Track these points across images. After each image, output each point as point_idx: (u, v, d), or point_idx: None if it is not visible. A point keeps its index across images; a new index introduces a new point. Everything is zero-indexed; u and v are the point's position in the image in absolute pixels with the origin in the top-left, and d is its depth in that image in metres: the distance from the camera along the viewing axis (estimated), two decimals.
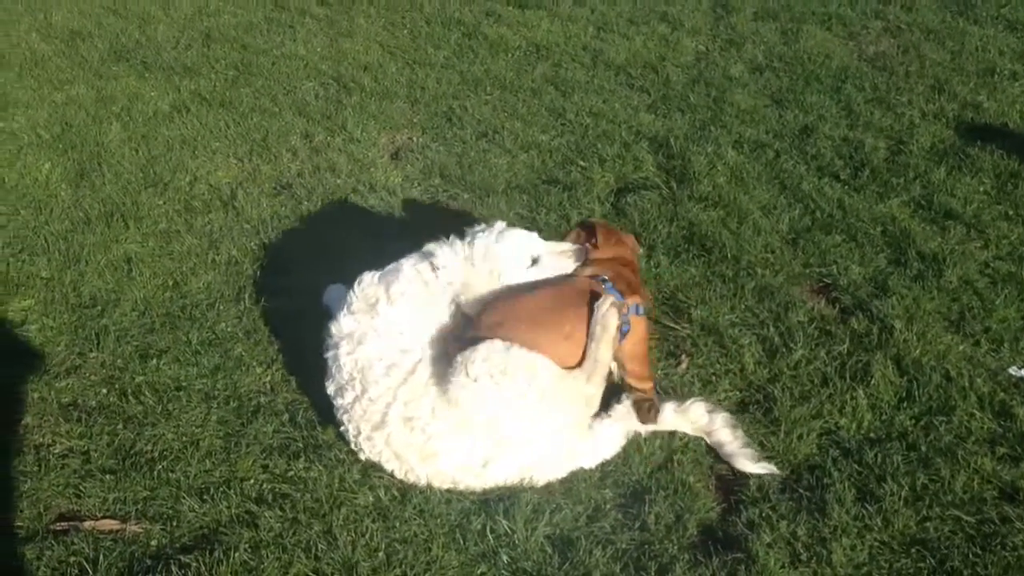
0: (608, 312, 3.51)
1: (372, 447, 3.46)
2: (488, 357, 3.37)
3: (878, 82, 6.69)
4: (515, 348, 3.39)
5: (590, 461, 3.51)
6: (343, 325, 3.62)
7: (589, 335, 3.52)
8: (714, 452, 3.57)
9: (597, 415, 3.57)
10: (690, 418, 3.61)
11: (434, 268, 3.71)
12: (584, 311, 3.53)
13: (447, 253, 3.76)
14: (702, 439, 3.62)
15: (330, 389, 3.60)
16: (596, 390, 3.54)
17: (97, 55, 7.66)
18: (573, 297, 3.61)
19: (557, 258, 3.84)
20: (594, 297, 3.56)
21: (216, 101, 6.72)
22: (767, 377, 3.91)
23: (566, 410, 3.45)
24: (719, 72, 6.96)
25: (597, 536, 3.22)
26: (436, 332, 3.64)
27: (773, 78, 6.85)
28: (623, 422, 3.58)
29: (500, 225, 3.88)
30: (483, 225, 3.92)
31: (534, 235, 3.88)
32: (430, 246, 3.81)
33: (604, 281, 3.71)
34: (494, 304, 3.65)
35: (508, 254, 3.77)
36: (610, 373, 3.65)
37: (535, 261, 3.80)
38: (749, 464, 3.46)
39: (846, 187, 5.35)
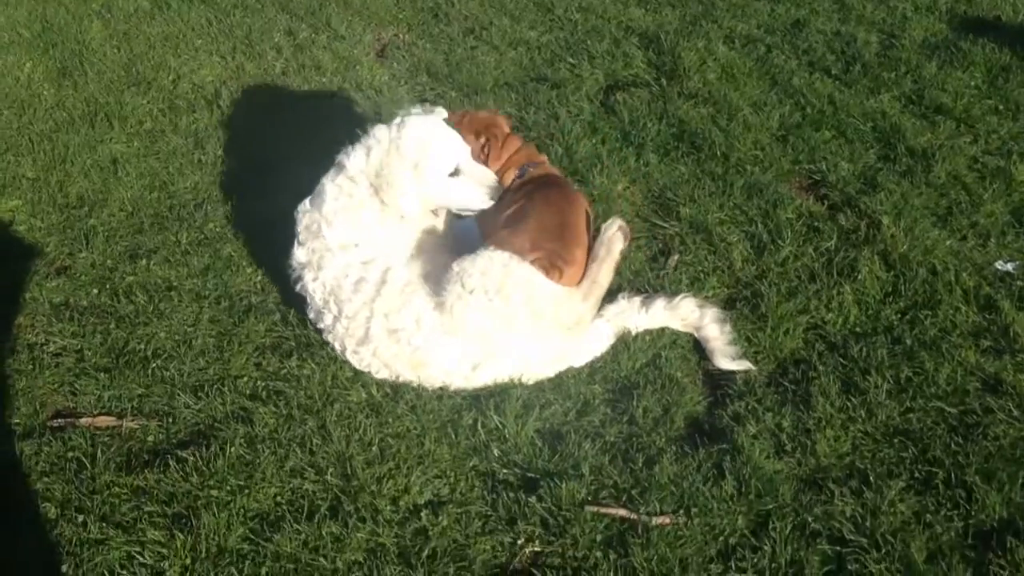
0: (615, 235, 3.50)
1: (360, 360, 3.49)
2: (486, 271, 3.35)
3: None
4: (514, 264, 3.36)
5: (580, 360, 3.54)
6: (298, 256, 3.57)
7: (592, 256, 3.54)
8: (702, 349, 3.60)
9: None
10: (680, 314, 3.62)
11: (350, 179, 3.53)
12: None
13: (356, 160, 3.53)
14: (691, 337, 3.65)
15: (311, 315, 3.61)
16: (591, 310, 3.54)
17: None
18: (581, 212, 3.63)
19: (475, 185, 3.58)
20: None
21: None
22: (755, 274, 3.93)
23: (558, 327, 3.45)
24: None
25: (586, 430, 3.27)
26: (389, 237, 3.54)
27: None
28: (612, 322, 3.59)
29: (441, 113, 3.65)
30: (419, 109, 3.66)
31: (468, 149, 3.64)
32: (340, 157, 3.59)
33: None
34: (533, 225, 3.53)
35: (440, 152, 3.52)
36: None
37: (456, 172, 3.57)
38: (727, 361, 3.49)
39: (837, 82, 5.30)
